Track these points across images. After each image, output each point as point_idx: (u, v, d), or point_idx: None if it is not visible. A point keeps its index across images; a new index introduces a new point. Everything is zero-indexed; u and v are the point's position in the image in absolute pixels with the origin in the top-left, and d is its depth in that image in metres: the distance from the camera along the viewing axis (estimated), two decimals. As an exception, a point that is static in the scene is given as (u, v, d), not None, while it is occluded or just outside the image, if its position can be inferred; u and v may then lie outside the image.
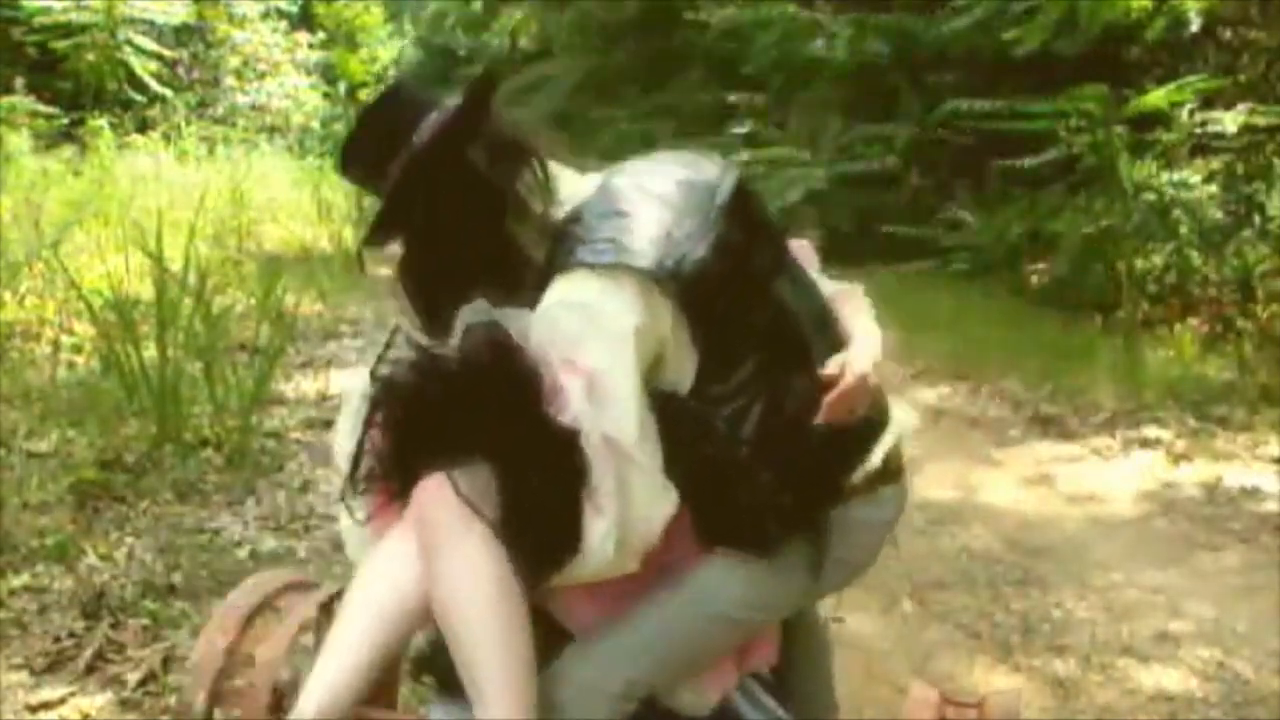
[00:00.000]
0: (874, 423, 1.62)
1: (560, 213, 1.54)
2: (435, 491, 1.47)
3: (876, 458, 1.61)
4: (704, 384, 1.49)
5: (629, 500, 1.43)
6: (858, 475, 1.60)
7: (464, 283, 1.51)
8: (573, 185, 1.59)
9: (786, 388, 1.51)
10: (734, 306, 1.50)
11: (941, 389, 5.69)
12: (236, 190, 10.01)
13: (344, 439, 1.59)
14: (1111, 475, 4.41)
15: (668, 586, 1.57)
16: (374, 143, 1.53)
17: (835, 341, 1.58)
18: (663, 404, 1.48)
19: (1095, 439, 4.85)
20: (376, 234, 1.55)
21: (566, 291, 1.46)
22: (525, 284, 1.51)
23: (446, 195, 1.52)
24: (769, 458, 1.49)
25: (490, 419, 1.46)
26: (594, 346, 1.43)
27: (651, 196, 1.51)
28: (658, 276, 1.43)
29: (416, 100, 1.56)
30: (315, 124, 17.29)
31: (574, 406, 1.42)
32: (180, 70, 13.74)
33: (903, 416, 1.74)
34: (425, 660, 1.88)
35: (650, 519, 1.45)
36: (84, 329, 5.37)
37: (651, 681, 1.61)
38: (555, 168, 1.58)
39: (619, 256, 1.44)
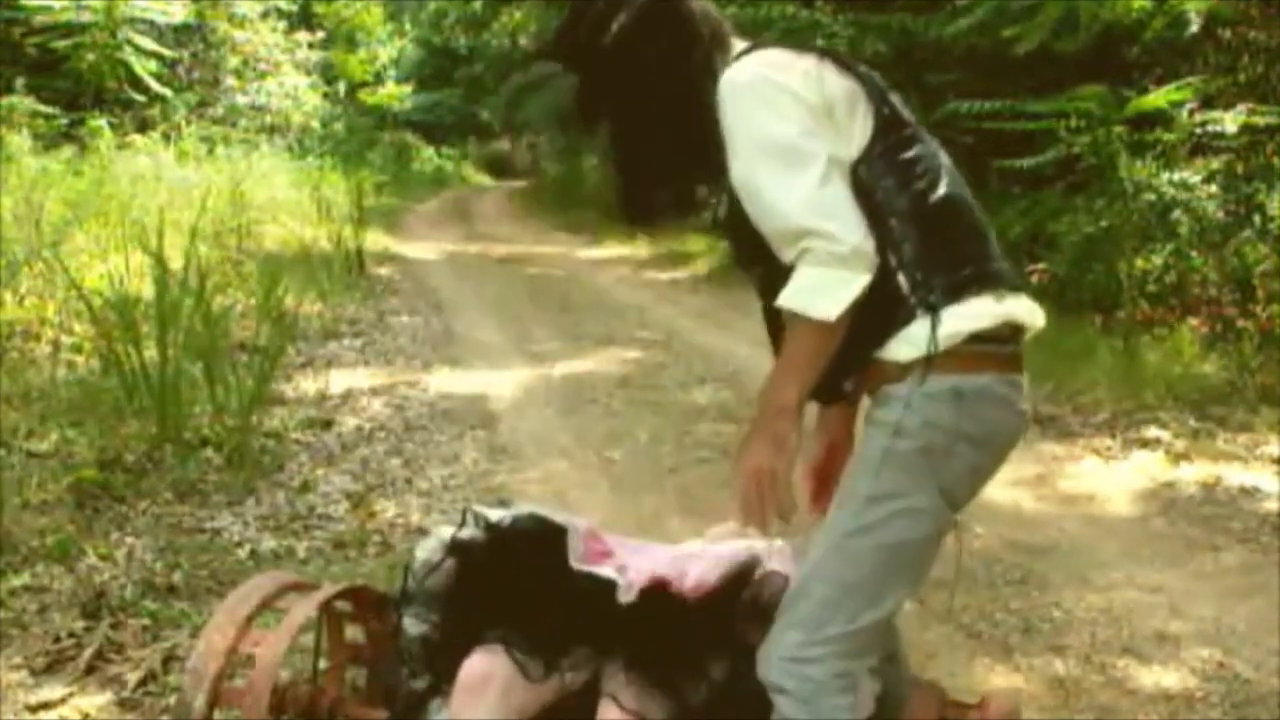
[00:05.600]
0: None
1: None
2: None
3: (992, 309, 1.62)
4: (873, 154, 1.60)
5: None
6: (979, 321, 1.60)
7: (664, 160, 1.67)
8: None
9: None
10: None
11: (941, 389, 5.68)
12: (236, 190, 10.01)
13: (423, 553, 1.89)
14: (1111, 475, 4.41)
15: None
16: (583, 29, 1.64)
17: None
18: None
19: (1095, 439, 4.85)
20: (586, 108, 1.70)
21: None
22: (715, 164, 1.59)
23: (646, 71, 1.62)
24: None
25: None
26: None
27: None
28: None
29: None
30: (315, 124, 17.29)
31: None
32: (180, 70, 13.73)
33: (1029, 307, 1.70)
34: (424, 651, 1.89)
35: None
36: (84, 329, 5.37)
37: (865, 625, 1.57)
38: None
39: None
